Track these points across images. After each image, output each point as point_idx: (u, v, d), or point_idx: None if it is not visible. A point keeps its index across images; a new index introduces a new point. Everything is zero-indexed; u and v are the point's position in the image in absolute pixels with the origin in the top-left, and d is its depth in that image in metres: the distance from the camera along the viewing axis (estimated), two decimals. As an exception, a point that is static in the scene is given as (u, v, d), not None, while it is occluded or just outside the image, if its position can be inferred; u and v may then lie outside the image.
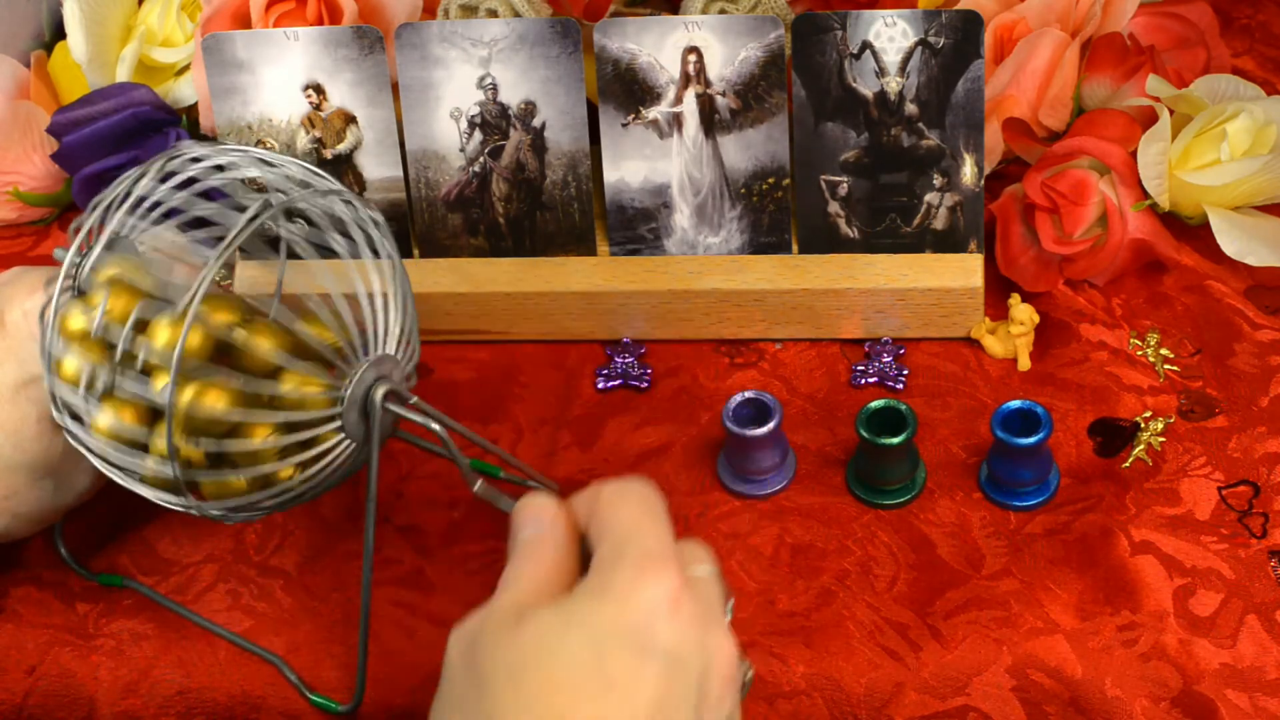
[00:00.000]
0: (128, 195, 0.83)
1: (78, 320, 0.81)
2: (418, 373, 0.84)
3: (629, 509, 0.70)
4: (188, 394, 0.78)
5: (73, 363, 0.80)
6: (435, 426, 0.78)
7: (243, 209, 0.80)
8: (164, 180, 0.83)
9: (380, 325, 0.80)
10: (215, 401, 0.78)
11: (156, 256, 0.83)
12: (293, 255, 0.85)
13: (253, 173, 0.83)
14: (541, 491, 0.74)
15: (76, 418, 0.82)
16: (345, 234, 0.83)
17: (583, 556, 0.72)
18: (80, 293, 0.82)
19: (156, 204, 0.83)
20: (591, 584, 0.69)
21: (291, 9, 1.04)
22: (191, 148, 0.85)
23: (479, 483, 0.78)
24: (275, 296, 0.85)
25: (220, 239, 0.79)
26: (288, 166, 0.84)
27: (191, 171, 0.83)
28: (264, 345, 0.79)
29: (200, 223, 0.84)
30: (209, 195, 0.84)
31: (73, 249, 0.82)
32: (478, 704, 0.67)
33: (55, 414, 0.82)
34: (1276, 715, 0.83)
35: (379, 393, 0.79)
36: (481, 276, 1.00)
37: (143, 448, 0.80)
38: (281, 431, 0.79)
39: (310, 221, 0.83)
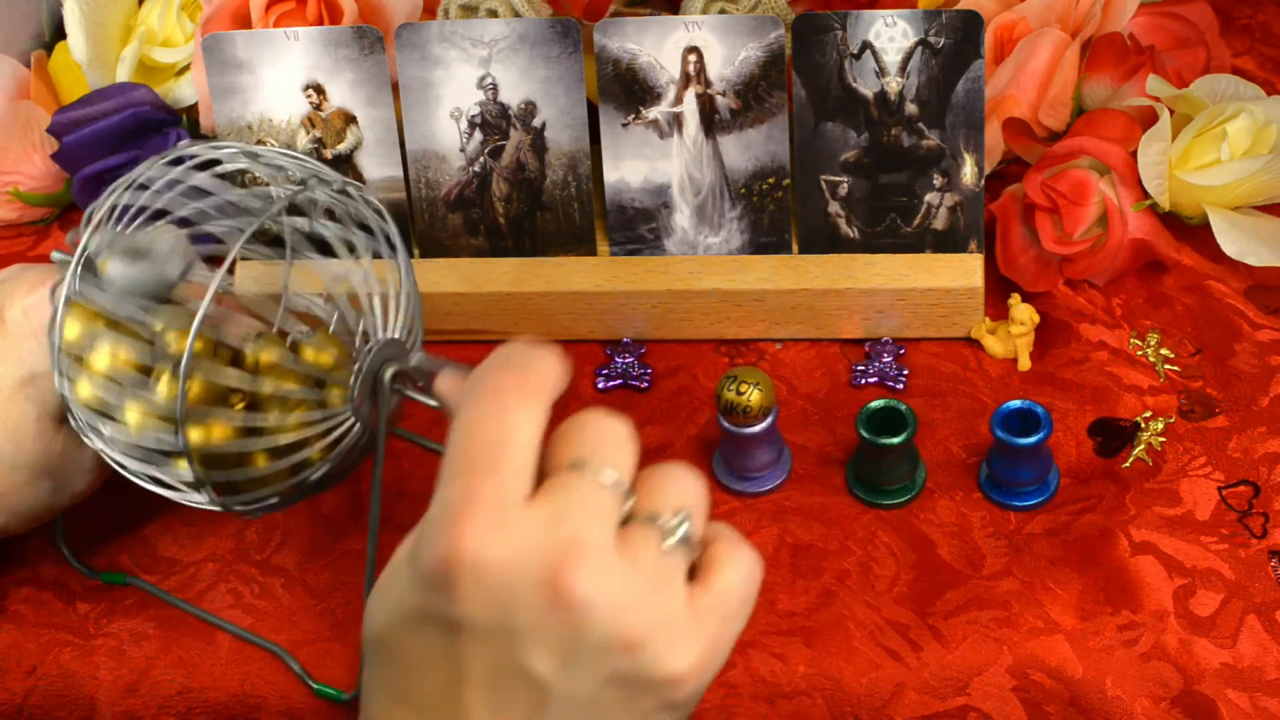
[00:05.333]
0: (128, 196, 0.83)
1: (75, 328, 0.81)
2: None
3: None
4: (195, 388, 0.79)
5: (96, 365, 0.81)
6: (433, 403, 0.78)
7: (239, 204, 0.81)
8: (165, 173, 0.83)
9: (387, 312, 0.81)
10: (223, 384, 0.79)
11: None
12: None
13: (243, 163, 0.84)
14: (462, 369, 0.67)
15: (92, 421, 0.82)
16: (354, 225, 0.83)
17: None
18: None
19: (156, 202, 0.83)
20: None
21: (291, 9, 1.04)
22: (189, 148, 0.85)
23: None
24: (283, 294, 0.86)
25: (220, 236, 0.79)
26: (283, 161, 0.84)
27: (191, 164, 0.83)
28: (271, 355, 0.80)
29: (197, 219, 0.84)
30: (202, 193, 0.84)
31: (83, 242, 0.82)
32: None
33: (74, 424, 0.82)
34: (1277, 715, 0.83)
35: (388, 373, 0.79)
36: (481, 276, 1.00)
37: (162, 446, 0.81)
38: (293, 411, 0.80)
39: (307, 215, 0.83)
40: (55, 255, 0.83)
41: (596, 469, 0.64)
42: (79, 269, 0.81)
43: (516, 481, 0.63)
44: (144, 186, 0.83)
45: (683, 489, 0.65)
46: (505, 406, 0.64)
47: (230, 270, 0.78)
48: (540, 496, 0.63)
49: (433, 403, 0.78)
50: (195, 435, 0.79)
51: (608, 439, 0.65)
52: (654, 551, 0.64)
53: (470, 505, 0.62)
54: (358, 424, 0.80)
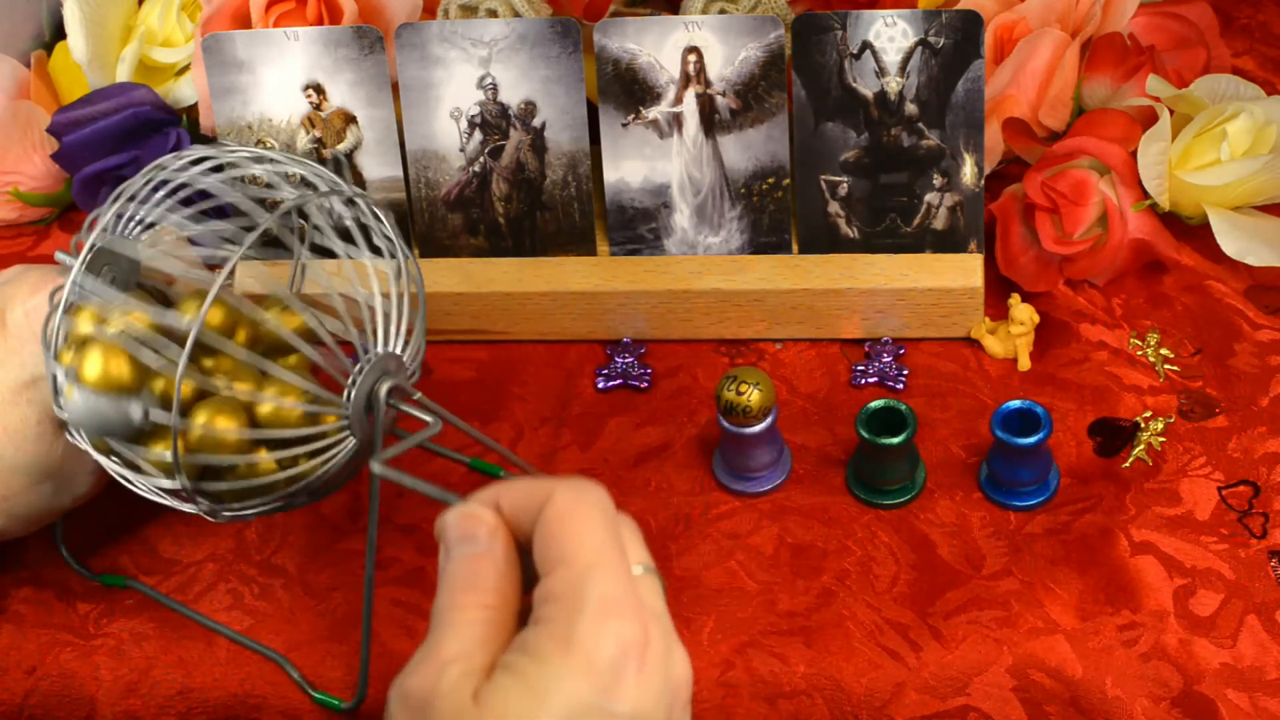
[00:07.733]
0: (134, 197, 0.83)
1: (85, 325, 0.81)
2: (420, 370, 0.84)
3: (585, 533, 0.65)
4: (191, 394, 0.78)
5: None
6: (428, 418, 0.78)
7: (243, 210, 0.80)
8: (167, 181, 0.83)
9: (387, 323, 0.80)
10: (225, 422, 0.79)
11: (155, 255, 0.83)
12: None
13: (255, 170, 0.83)
14: (473, 502, 0.68)
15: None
16: (350, 235, 0.83)
17: (524, 564, 0.67)
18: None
19: (161, 203, 0.83)
20: (551, 637, 0.64)
21: (291, 9, 1.04)
22: (195, 150, 0.85)
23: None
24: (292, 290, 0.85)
25: (227, 240, 0.79)
26: (289, 166, 0.84)
27: (194, 172, 0.83)
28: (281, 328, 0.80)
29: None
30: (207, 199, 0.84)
31: (82, 255, 0.82)
32: None
33: (70, 435, 0.82)
34: (1277, 715, 0.83)
35: (383, 389, 0.79)
36: (481, 276, 1.00)
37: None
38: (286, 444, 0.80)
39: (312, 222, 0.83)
40: (59, 255, 0.83)
41: (646, 565, 0.68)
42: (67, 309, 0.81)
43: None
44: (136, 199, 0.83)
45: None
46: (605, 521, 0.67)
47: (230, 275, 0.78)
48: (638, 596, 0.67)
49: (428, 417, 0.78)
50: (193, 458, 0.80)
51: (633, 534, 0.69)
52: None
53: (628, 601, 0.65)
54: (353, 439, 0.80)
